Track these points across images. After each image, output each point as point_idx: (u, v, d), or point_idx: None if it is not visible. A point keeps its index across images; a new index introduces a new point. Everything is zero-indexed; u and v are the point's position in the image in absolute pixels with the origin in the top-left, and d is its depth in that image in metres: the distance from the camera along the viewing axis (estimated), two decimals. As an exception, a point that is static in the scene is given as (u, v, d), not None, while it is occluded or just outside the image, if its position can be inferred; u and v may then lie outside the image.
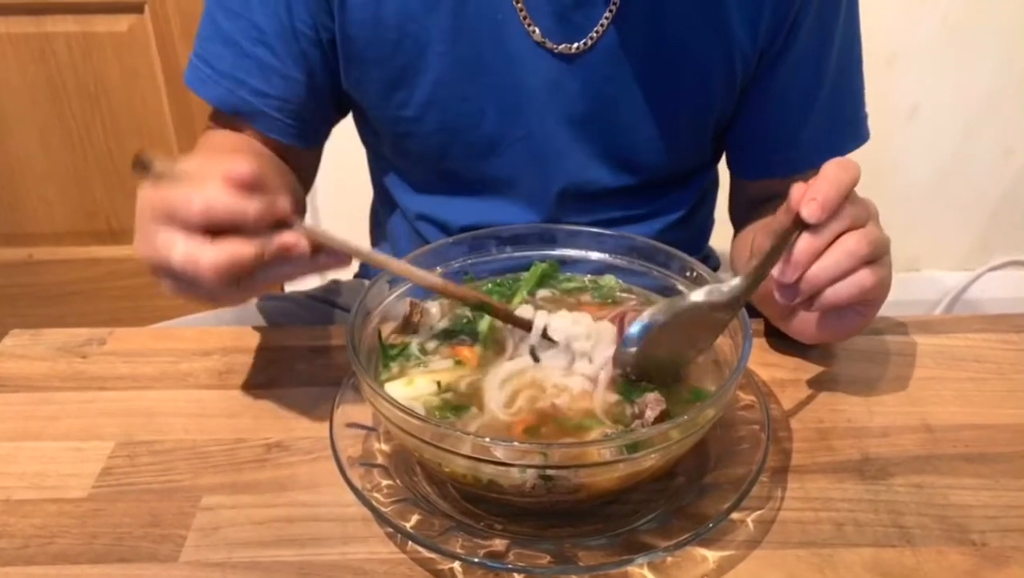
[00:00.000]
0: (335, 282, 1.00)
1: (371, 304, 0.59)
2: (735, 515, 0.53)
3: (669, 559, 0.51)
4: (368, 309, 0.59)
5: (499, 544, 0.50)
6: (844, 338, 0.66)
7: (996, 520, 0.54)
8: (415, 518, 0.51)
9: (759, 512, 0.54)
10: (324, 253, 0.54)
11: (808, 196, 0.53)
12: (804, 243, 0.54)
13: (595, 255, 0.66)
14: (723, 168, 0.91)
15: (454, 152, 0.79)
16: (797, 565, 0.51)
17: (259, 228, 0.50)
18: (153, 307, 1.80)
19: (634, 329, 0.55)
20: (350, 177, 1.14)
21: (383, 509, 0.51)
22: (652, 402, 0.52)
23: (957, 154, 1.72)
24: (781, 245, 0.54)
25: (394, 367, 0.58)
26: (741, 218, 0.88)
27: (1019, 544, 0.52)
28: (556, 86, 0.75)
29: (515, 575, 0.49)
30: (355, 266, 1.05)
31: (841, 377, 0.67)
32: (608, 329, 0.59)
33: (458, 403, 0.54)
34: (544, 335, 0.57)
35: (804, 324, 0.63)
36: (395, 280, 0.62)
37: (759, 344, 0.69)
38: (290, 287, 1.76)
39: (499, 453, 0.47)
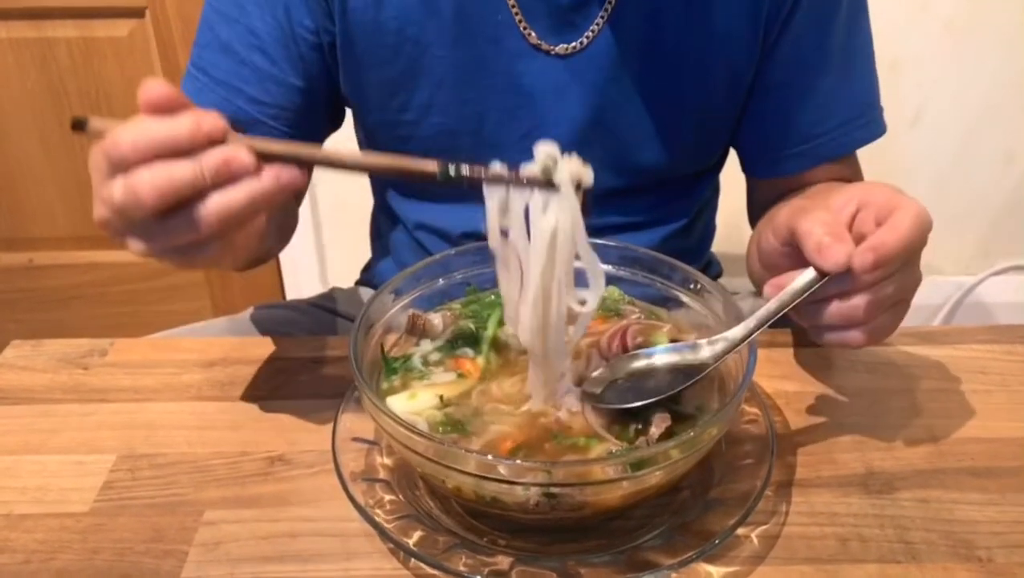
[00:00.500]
0: (336, 289, 1.00)
1: (374, 316, 0.59)
2: (740, 530, 0.53)
3: (674, 576, 0.50)
4: (371, 321, 0.58)
5: (503, 561, 0.50)
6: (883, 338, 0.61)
7: (1002, 536, 0.53)
8: (418, 534, 0.51)
9: (764, 527, 0.54)
10: (273, 166, 0.49)
11: (866, 245, 0.50)
12: (839, 310, 0.53)
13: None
14: (725, 173, 0.91)
15: (454, 156, 0.79)
16: (802, 582, 0.51)
17: (196, 148, 0.47)
18: (155, 312, 1.80)
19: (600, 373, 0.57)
20: (350, 188, 1.14)
21: (386, 525, 0.51)
22: (657, 419, 0.51)
23: (959, 160, 1.72)
24: (789, 302, 0.53)
25: (396, 380, 0.58)
26: (759, 220, 0.87)
27: (1025, 560, 0.52)
28: (555, 87, 0.75)
29: (519, 593, 0.49)
30: (356, 273, 1.05)
31: (845, 390, 0.66)
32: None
33: (460, 419, 0.54)
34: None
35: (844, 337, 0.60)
36: (398, 291, 0.62)
37: (763, 355, 0.69)
38: (291, 294, 1.76)
39: (503, 471, 0.47)
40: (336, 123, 0.84)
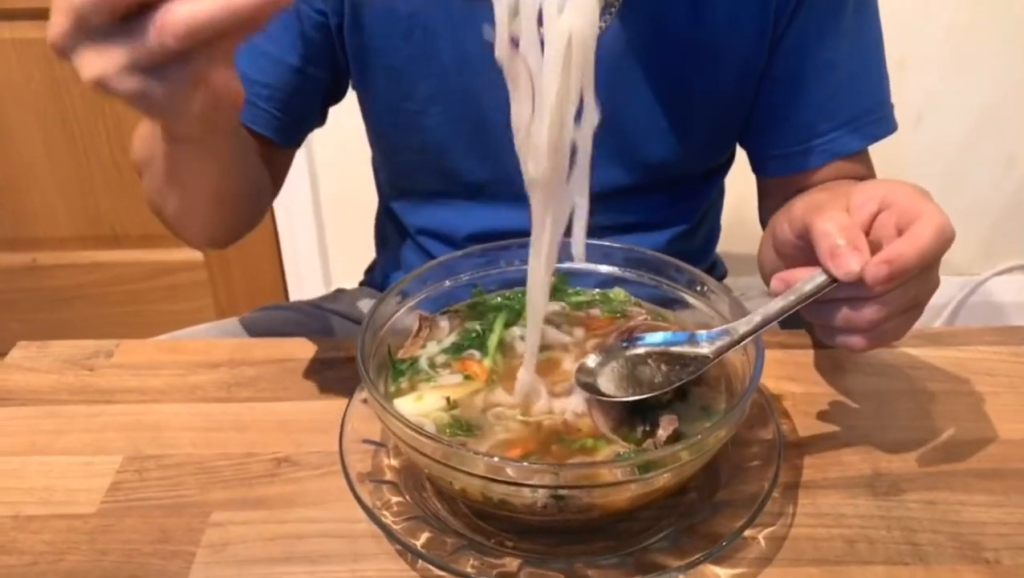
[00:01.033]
0: (340, 291, 1.00)
1: (380, 318, 0.59)
2: (747, 532, 0.53)
3: (681, 577, 0.50)
4: (377, 323, 0.58)
5: (510, 563, 0.50)
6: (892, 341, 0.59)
7: (1010, 537, 0.53)
8: (425, 536, 0.51)
9: (771, 529, 0.54)
10: None
11: (881, 257, 0.49)
12: (847, 315, 0.52)
13: (604, 268, 0.66)
14: (729, 173, 0.91)
15: (456, 149, 0.78)
16: (810, 584, 0.51)
17: None
18: (158, 312, 1.81)
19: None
20: (354, 189, 1.14)
21: (393, 527, 0.51)
22: (664, 421, 0.51)
23: (961, 161, 1.72)
24: (795, 304, 0.52)
25: (403, 382, 0.58)
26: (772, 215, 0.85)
27: (1033, 562, 0.52)
28: None
29: (527, 595, 0.49)
30: (359, 274, 1.05)
31: (852, 391, 0.66)
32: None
33: (467, 421, 0.54)
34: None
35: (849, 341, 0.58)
36: (405, 293, 0.62)
37: (770, 356, 0.68)
38: (294, 295, 1.77)
39: (510, 473, 0.47)
40: (325, 116, 0.82)
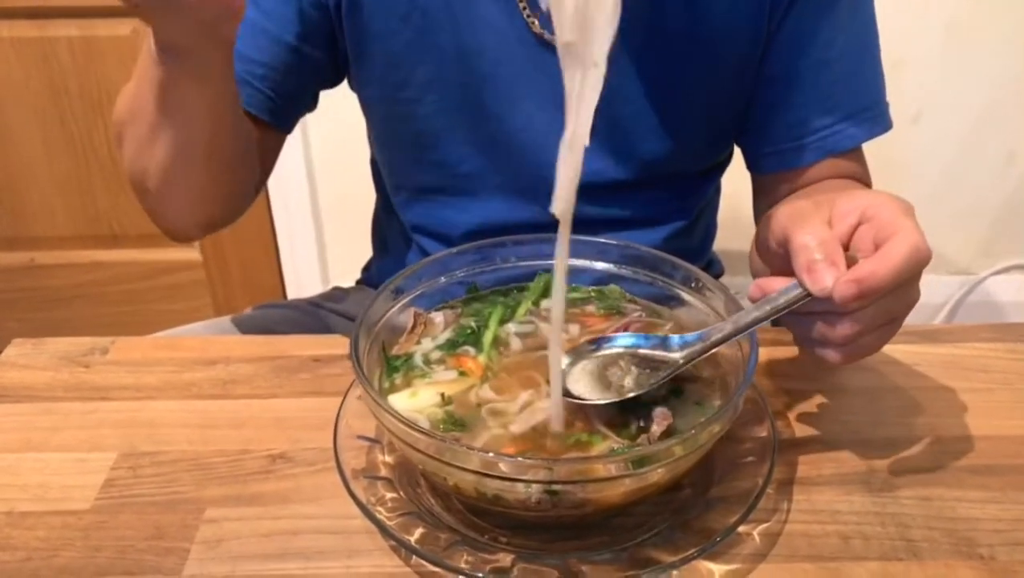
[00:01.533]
0: (336, 289, 1.00)
1: (375, 314, 0.59)
2: (741, 528, 0.53)
3: (675, 573, 0.50)
4: (372, 319, 0.59)
5: (504, 559, 0.50)
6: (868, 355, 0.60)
7: (1004, 534, 0.53)
8: (419, 532, 0.51)
9: (765, 525, 0.54)
10: None
11: (850, 276, 0.48)
12: (821, 329, 0.52)
13: (600, 265, 0.66)
14: (727, 176, 0.91)
15: (451, 139, 0.78)
16: (804, 579, 0.51)
17: None
18: (156, 311, 1.81)
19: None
20: (352, 187, 1.14)
21: (387, 523, 0.51)
22: (659, 416, 0.51)
23: (960, 159, 1.72)
24: (769, 314, 0.52)
25: (398, 378, 0.58)
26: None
27: (1027, 558, 0.52)
28: (557, 77, 0.74)
29: (520, 590, 0.49)
30: (357, 272, 1.05)
31: (847, 387, 0.66)
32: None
33: (462, 417, 0.54)
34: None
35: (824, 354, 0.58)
36: (400, 290, 0.62)
37: (764, 353, 0.69)
38: (292, 293, 1.77)
39: (504, 468, 0.47)
40: (316, 99, 0.82)
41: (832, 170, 0.78)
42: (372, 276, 1.02)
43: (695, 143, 0.81)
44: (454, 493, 0.52)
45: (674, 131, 0.77)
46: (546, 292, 0.66)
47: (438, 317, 0.63)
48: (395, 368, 0.59)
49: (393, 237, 0.93)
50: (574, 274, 0.67)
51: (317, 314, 0.92)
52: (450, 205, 0.83)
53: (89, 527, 0.55)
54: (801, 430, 0.62)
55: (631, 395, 0.53)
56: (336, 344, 0.72)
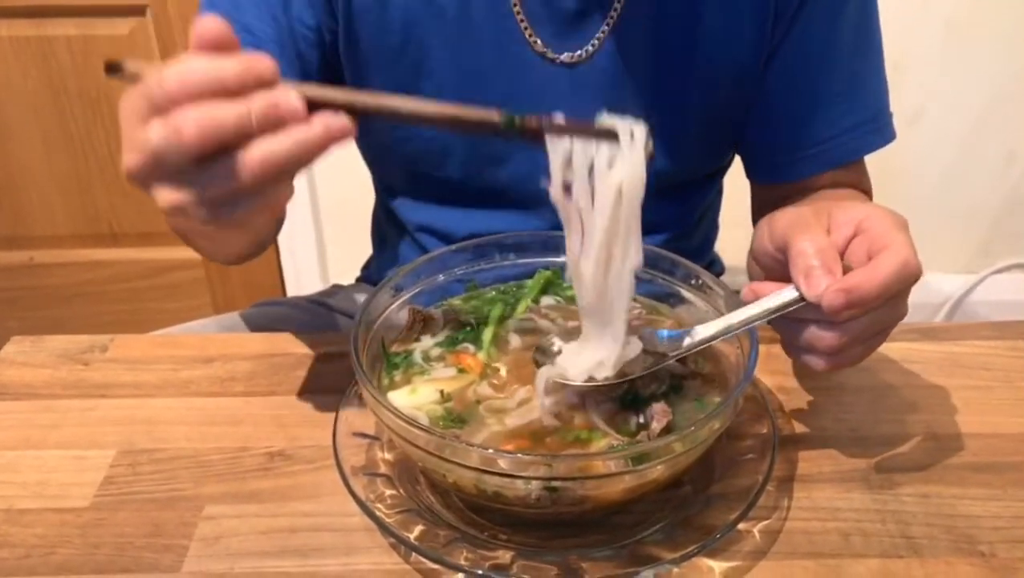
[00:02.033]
0: (337, 287, 1.00)
1: (374, 311, 0.59)
2: (741, 525, 0.52)
3: (675, 570, 0.50)
4: (371, 316, 0.58)
5: (504, 556, 0.50)
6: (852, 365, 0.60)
7: (1005, 531, 0.53)
8: (419, 529, 0.51)
9: (765, 522, 0.54)
10: (323, 113, 0.46)
11: (839, 285, 0.49)
12: (809, 335, 0.53)
13: (599, 262, 0.66)
14: (729, 174, 0.91)
15: (454, 160, 0.79)
16: (804, 576, 0.51)
17: (245, 89, 0.44)
18: (155, 310, 1.80)
19: None
20: (352, 185, 1.14)
21: (387, 520, 0.51)
22: (658, 413, 0.51)
23: (960, 159, 1.72)
24: (761, 316, 0.53)
25: (397, 375, 0.58)
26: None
27: (1028, 555, 0.52)
28: (559, 95, 0.74)
29: (520, 587, 0.49)
30: (356, 270, 1.05)
31: (846, 385, 0.66)
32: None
33: (461, 414, 0.54)
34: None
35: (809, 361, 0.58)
36: (399, 287, 0.62)
37: (764, 351, 0.68)
38: (291, 292, 1.76)
39: (504, 464, 0.46)
40: None
41: (833, 180, 0.78)
42: (372, 274, 1.02)
43: (694, 154, 0.81)
44: (453, 490, 0.52)
45: (674, 144, 0.77)
46: (545, 289, 0.66)
47: (437, 314, 0.63)
48: (395, 365, 0.59)
49: (394, 235, 0.93)
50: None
51: (316, 312, 0.92)
52: (455, 211, 0.83)
53: (88, 524, 0.54)
54: (801, 427, 0.62)
55: (616, 381, 0.53)
56: (335, 341, 0.72)
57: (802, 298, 0.51)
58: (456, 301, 0.65)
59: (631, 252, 0.50)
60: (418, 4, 0.71)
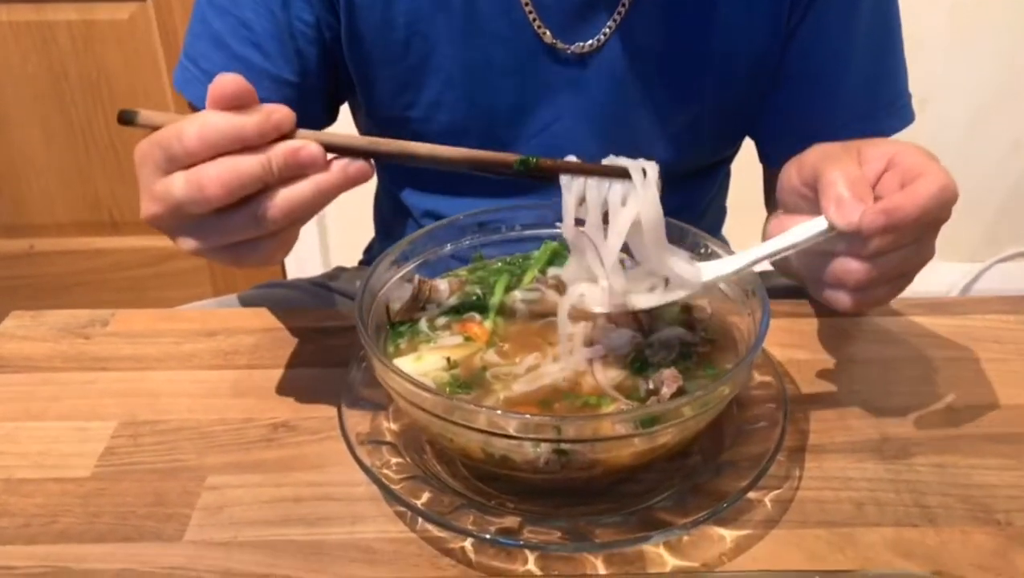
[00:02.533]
0: (339, 269, 0.99)
1: (378, 282, 0.58)
2: (752, 494, 0.52)
3: (685, 538, 0.49)
4: (376, 286, 0.58)
5: (511, 521, 0.49)
6: (875, 306, 0.60)
7: (1021, 500, 0.52)
8: (425, 496, 0.50)
9: (777, 491, 0.53)
10: (341, 159, 0.48)
11: (879, 206, 0.48)
12: (836, 269, 0.51)
13: (607, 233, 0.65)
14: (736, 158, 0.90)
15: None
16: (816, 544, 0.50)
17: (263, 143, 0.46)
18: (156, 298, 1.80)
19: None
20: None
21: (393, 486, 0.50)
22: (668, 378, 0.50)
23: (965, 146, 1.71)
24: (790, 246, 0.51)
25: (402, 343, 0.57)
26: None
27: (1045, 524, 0.51)
28: (570, 85, 0.73)
29: (528, 552, 0.48)
30: (359, 253, 1.04)
31: (858, 357, 0.65)
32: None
33: (467, 380, 0.53)
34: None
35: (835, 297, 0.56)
36: (401, 258, 0.61)
37: (776, 324, 0.68)
38: (293, 276, 1.75)
39: (512, 427, 0.46)
40: (328, 121, 0.81)
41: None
42: (375, 257, 1.01)
43: (706, 144, 0.79)
44: (460, 457, 0.51)
45: (686, 136, 0.76)
46: (552, 260, 0.65)
47: (443, 284, 0.62)
48: (400, 333, 0.58)
49: (396, 218, 0.92)
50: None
51: (319, 293, 0.91)
52: (461, 197, 0.82)
53: (89, 494, 0.54)
54: (813, 399, 0.61)
55: (638, 307, 0.53)
56: (339, 317, 0.71)
57: (831, 229, 0.49)
58: (462, 272, 0.64)
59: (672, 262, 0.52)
60: None
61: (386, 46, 0.72)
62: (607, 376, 0.52)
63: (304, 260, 1.76)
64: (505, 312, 0.60)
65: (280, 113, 0.47)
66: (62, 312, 0.71)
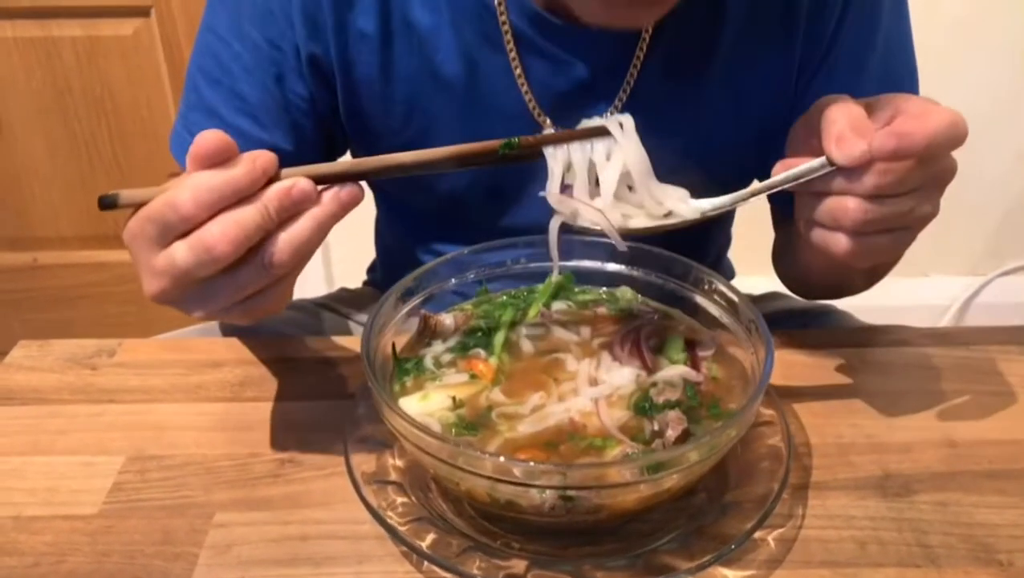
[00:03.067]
0: (344, 290, 1.00)
1: (385, 317, 0.58)
2: (757, 534, 0.52)
3: (690, 580, 0.50)
4: (382, 322, 0.58)
5: (518, 565, 0.49)
6: (876, 261, 0.56)
7: (1022, 540, 0.53)
8: (431, 537, 0.50)
9: (780, 530, 0.53)
10: (332, 188, 0.48)
11: (890, 129, 0.47)
12: (832, 206, 0.50)
13: (611, 266, 0.65)
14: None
15: (473, 203, 0.77)
16: (820, 586, 0.50)
17: (255, 190, 0.47)
18: (160, 311, 1.79)
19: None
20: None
21: (399, 528, 0.50)
22: (673, 421, 0.51)
23: (968, 158, 1.69)
24: (790, 180, 0.51)
25: (408, 381, 0.58)
26: (785, 265, 0.82)
27: (1047, 565, 0.51)
28: None
29: (535, 598, 0.48)
30: (362, 272, 1.04)
31: (860, 391, 0.66)
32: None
33: (473, 421, 0.53)
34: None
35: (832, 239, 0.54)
36: (407, 293, 0.61)
37: (779, 359, 0.67)
38: (296, 294, 1.76)
39: (518, 473, 0.46)
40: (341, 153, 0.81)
41: None
42: (378, 278, 1.01)
43: (715, 190, 0.79)
44: (466, 498, 0.52)
45: (695, 194, 0.76)
46: (556, 294, 0.65)
47: (448, 319, 0.62)
48: (406, 370, 0.58)
49: (397, 245, 0.92)
50: (585, 276, 0.66)
51: (323, 315, 0.91)
52: (466, 240, 0.82)
53: (97, 532, 0.54)
54: (814, 433, 0.61)
55: (638, 227, 0.54)
56: (344, 346, 0.71)
57: (831, 164, 0.49)
58: (467, 306, 0.65)
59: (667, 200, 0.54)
60: (423, 77, 0.69)
61: (386, 120, 0.72)
62: (612, 417, 0.53)
63: (308, 280, 1.76)
64: (510, 348, 0.60)
65: (264, 158, 0.47)
66: (69, 342, 0.72)
